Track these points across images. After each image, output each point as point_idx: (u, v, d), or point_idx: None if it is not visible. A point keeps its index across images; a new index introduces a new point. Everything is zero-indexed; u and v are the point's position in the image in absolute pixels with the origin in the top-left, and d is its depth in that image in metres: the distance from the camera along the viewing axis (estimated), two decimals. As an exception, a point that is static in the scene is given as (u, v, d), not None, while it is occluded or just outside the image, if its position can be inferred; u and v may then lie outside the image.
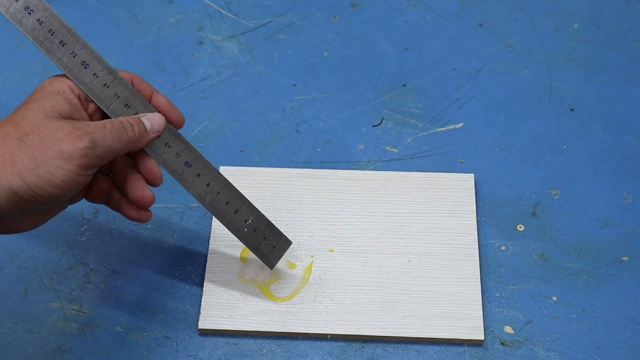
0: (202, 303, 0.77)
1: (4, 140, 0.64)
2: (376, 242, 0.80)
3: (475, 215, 0.82)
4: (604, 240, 0.81)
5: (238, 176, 0.84)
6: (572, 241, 0.81)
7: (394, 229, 0.81)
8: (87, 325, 0.77)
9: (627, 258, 0.80)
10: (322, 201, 0.83)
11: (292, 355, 0.75)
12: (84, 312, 0.77)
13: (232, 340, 0.76)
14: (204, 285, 0.78)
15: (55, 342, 0.76)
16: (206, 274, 0.78)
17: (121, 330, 0.76)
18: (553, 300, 0.78)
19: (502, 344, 0.76)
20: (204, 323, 0.76)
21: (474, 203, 0.82)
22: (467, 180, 0.84)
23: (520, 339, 0.76)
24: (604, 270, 0.79)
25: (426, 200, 0.82)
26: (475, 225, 0.81)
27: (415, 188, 0.83)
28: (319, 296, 0.77)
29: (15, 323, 0.77)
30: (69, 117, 0.66)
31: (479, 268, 0.79)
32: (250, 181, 0.84)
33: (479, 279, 0.78)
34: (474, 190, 0.83)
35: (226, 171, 0.84)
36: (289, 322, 0.76)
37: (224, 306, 0.77)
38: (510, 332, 0.76)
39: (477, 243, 0.80)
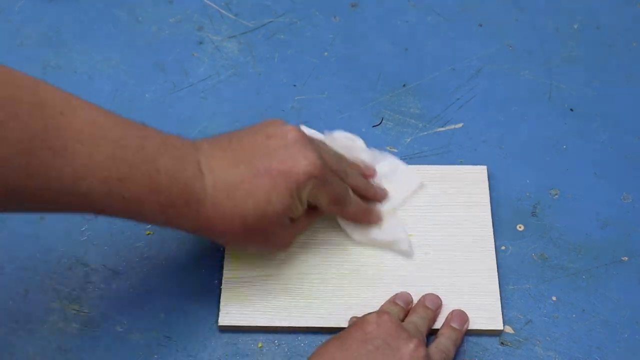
0: (221, 300, 0.77)
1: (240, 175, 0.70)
2: None
3: (489, 207, 0.82)
4: (603, 240, 0.81)
5: None
6: (572, 241, 0.81)
7: (410, 222, 0.81)
8: (87, 325, 0.77)
9: (626, 258, 0.80)
10: None
11: (293, 355, 0.75)
12: (84, 312, 0.77)
13: (232, 340, 0.76)
14: (223, 282, 0.78)
15: (55, 342, 0.76)
16: (224, 271, 0.78)
17: (121, 330, 0.77)
18: (553, 300, 0.78)
19: (502, 343, 0.76)
20: (223, 320, 0.76)
21: (488, 195, 0.82)
22: (480, 172, 0.84)
23: (520, 339, 0.76)
24: (603, 270, 0.79)
25: (440, 192, 0.83)
26: (490, 217, 0.81)
27: (430, 181, 0.83)
28: (338, 290, 0.77)
29: (16, 323, 0.77)
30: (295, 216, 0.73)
31: (495, 259, 0.79)
32: None
33: (496, 270, 0.78)
34: (487, 182, 0.83)
35: None
36: (308, 317, 0.76)
37: (243, 302, 0.77)
38: (510, 332, 0.76)
39: (492, 234, 0.80)
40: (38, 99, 0.61)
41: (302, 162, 0.70)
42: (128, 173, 0.64)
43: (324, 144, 0.76)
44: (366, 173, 0.81)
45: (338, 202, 0.75)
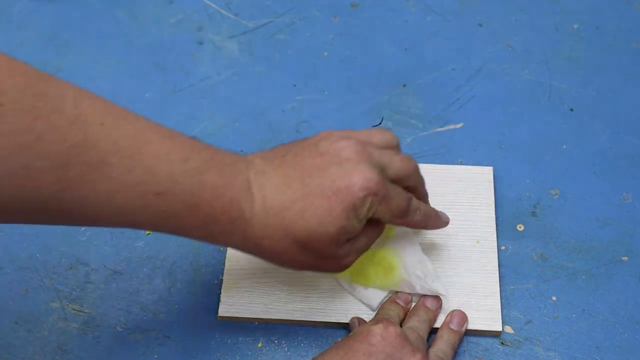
0: (222, 291, 0.77)
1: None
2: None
3: (494, 208, 0.82)
4: (603, 240, 0.81)
5: None
6: (572, 241, 0.81)
7: None
8: (88, 325, 0.77)
9: (626, 258, 0.80)
10: None
11: (293, 355, 0.75)
12: (84, 312, 0.77)
13: (232, 340, 0.76)
14: (224, 274, 0.78)
15: (55, 342, 0.76)
16: (226, 263, 0.79)
17: (121, 330, 0.77)
18: (553, 300, 0.78)
19: (502, 343, 0.76)
20: (223, 311, 0.76)
21: (493, 195, 0.82)
22: (486, 173, 0.84)
23: (520, 339, 0.76)
24: (603, 270, 0.79)
25: (445, 192, 0.83)
26: (494, 217, 0.81)
27: (435, 180, 0.83)
28: (338, 286, 0.78)
29: (16, 323, 0.77)
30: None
31: (497, 260, 0.79)
32: None
33: (497, 271, 0.78)
34: (493, 183, 0.83)
35: None
36: (307, 311, 0.76)
37: (243, 294, 0.77)
38: (510, 332, 0.76)
39: (495, 235, 0.80)
40: (79, 110, 0.59)
41: (357, 180, 0.66)
42: (168, 187, 0.62)
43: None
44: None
45: (402, 215, 0.70)
